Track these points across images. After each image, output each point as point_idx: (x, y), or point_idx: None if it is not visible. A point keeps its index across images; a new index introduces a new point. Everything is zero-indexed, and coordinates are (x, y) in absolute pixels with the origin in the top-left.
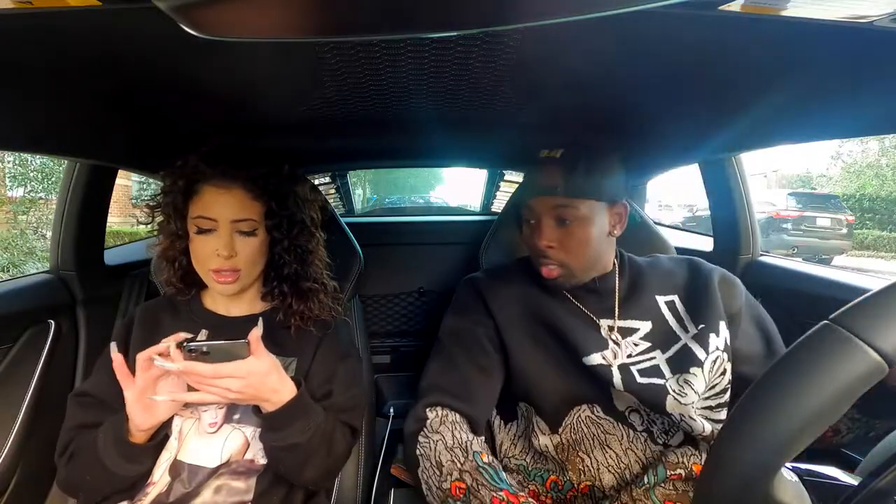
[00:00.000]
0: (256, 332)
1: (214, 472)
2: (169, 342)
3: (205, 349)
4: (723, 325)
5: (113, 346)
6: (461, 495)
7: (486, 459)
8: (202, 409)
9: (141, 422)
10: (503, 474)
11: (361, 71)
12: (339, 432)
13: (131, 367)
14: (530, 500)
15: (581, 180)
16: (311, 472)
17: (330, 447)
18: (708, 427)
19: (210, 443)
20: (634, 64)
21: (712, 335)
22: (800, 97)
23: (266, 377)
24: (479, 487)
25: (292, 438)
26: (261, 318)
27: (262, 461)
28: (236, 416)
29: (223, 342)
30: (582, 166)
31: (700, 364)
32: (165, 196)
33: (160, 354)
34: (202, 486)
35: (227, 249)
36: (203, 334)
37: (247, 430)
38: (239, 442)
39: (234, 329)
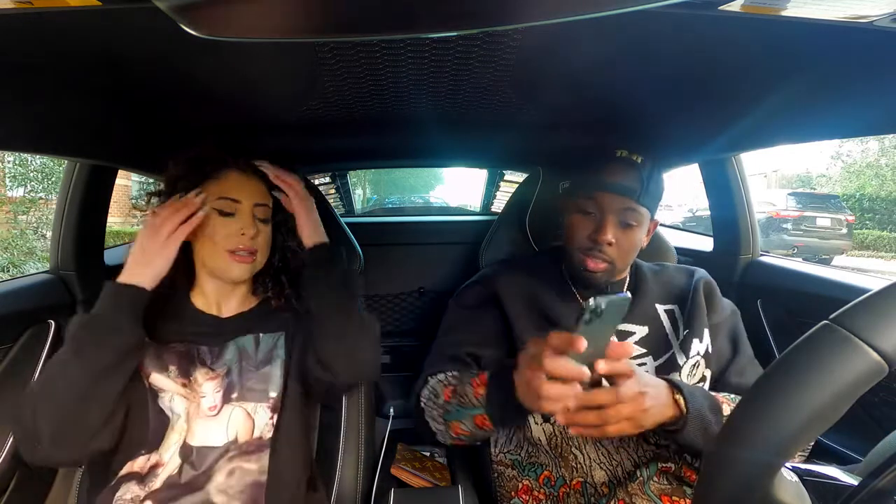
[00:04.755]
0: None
1: (224, 453)
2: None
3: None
4: (706, 333)
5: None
6: (452, 396)
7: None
8: (200, 394)
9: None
10: (476, 369)
11: (361, 71)
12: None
13: None
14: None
15: (652, 190)
16: (360, 337)
17: (361, 322)
18: None
19: (214, 424)
20: (634, 64)
21: (695, 340)
22: (800, 97)
23: None
24: (462, 380)
25: (335, 276)
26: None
27: (269, 435)
28: (234, 395)
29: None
30: (655, 177)
31: (679, 369)
32: (179, 181)
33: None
34: (213, 468)
35: (252, 228)
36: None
37: (248, 405)
38: (242, 417)
39: (225, 330)
